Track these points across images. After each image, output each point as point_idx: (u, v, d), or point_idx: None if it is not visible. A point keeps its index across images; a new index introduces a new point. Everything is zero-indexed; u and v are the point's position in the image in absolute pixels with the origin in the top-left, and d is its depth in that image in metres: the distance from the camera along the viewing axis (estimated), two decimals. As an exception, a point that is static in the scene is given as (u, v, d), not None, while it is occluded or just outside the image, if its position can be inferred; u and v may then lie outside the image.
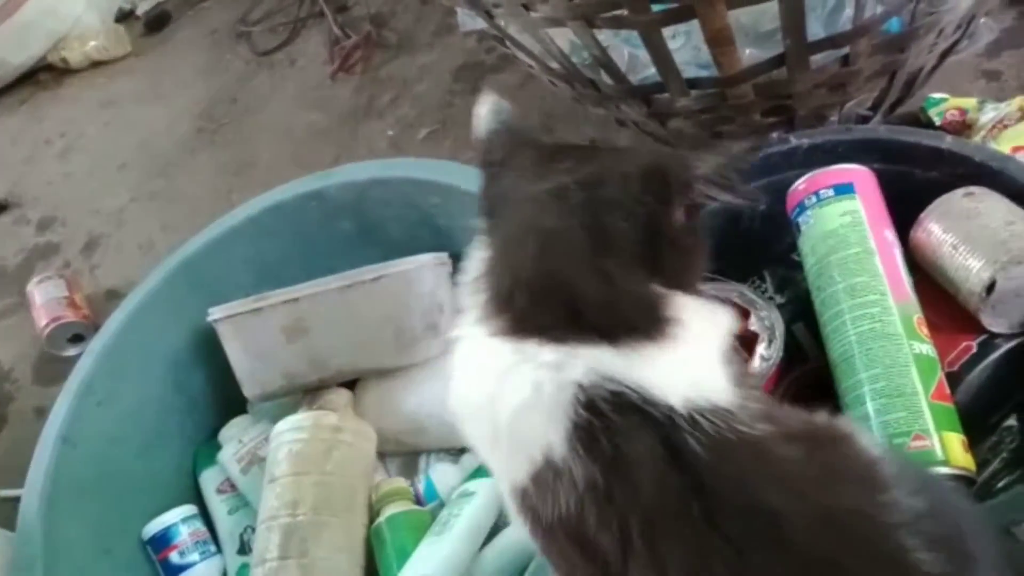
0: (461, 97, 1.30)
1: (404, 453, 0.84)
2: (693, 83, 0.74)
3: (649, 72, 0.75)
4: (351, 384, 0.83)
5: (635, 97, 0.78)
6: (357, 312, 0.77)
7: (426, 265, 0.79)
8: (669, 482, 0.36)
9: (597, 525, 0.36)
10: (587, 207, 0.41)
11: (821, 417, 0.45)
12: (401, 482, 0.77)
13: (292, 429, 0.75)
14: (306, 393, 0.81)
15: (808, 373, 0.74)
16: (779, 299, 0.80)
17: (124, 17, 2.06)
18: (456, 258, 0.84)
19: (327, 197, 0.88)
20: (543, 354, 0.39)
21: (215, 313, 0.81)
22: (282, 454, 0.74)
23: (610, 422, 0.37)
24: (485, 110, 0.50)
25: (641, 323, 0.39)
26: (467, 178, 0.80)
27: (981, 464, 0.68)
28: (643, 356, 0.38)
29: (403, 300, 0.77)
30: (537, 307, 0.40)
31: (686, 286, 0.42)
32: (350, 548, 0.71)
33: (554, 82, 0.88)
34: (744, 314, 0.74)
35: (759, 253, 0.84)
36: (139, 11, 2.03)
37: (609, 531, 0.36)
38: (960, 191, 0.70)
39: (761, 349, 0.72)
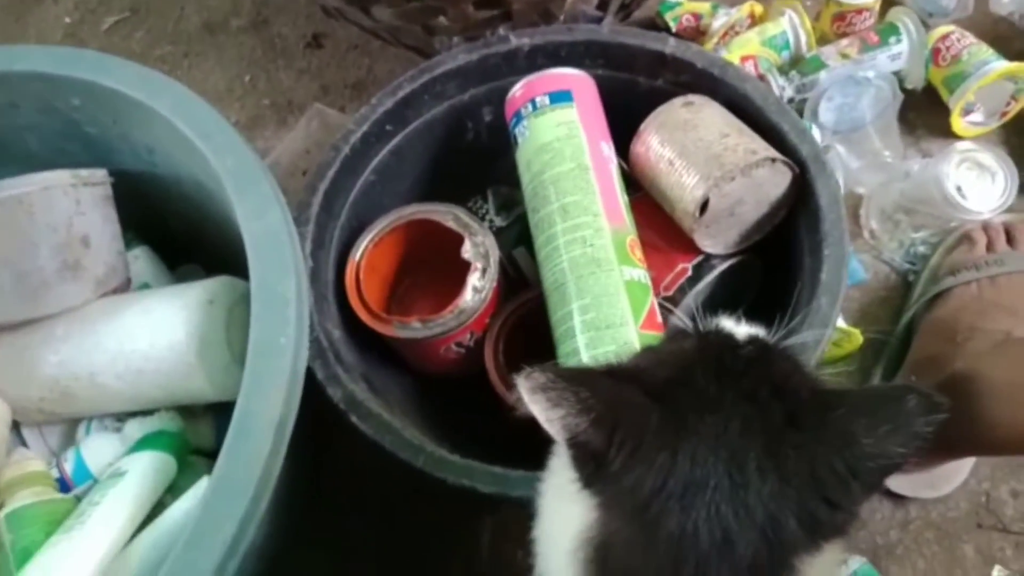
0: (158, -21, 1.07)
1: (57, 423, 0.68)
2: (389, -39, 0.61)
3: (336, -56, 0.61)
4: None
5: (325, -23, 0.64)
6: (-46, 252, 0.58)
7: (56, 186, 0.61)
8: None
9: None
10: None
11: None
12: (36, 464, 0.61)
13: None
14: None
15: (529, 303, 0.67)
16: (500, 221, 0.72)
17: None
18: (117, 175, 0.67)
19: (-76, 101, 0.65)
20: None
21: None
22: None
23: None
24: None
25: None
26: (113, 72, 0.62)
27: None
28: None
29: (22, 234, 0.59)
30: None
31: None
32: (-41, 557, 0.55)
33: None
34: (458, 239, 0.65)
35: (485, 169, 0.75)
36: None
37: None
38: (679, 100, 0.65)
39: (474, 279, 0.63)
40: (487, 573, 0.67)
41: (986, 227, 0.75)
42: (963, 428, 0.61)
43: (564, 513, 0.36)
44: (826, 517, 0.32)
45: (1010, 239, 0.74)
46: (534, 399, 0.33)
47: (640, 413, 0.34)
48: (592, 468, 0.34)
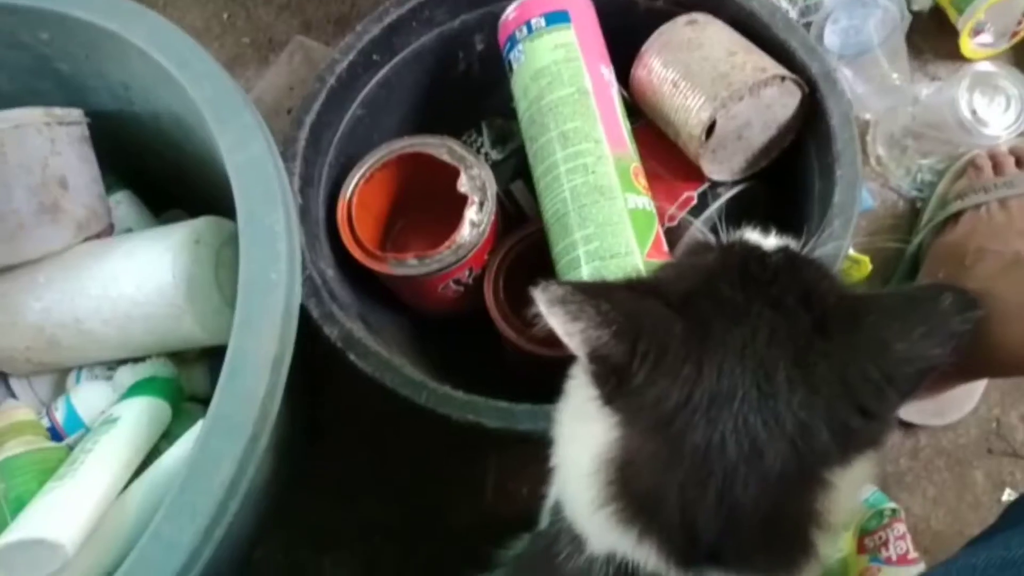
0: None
1: (46, 373, 0.66)
2: None
3: None
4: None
5: None
6: (-76, 195, 0.55)
7: (28, 124, 0.58)
8: None
9: None
10: None
11: None
12: (24, 413, 0.59)
13: None
14: None
15: (529, 238, 0.65)
16: (496, 154, 0.69)
17: None
18: (93, 116, 0.64)
19: None
20: None
21: None
22: None
23: None
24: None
25: None
26: (83, 2, 0.59)
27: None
28: None
29: (-5, 175, 0.56)
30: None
31: None
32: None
33: None
34: (454, 173, 0.62)
35: (478, 101, 0.73)
36: None
37: None
38: (683, 18, 0.62)
39: (471, 213, 0.61)
40: (493, 511, 0.67)
41: (992, 153, 0.73)
42: (974, 350, 0.59)
43: (583, 435, 0.34)
44: (859, 426, 0.31)
45: (1019, 163, 0.72)
46: (552, 312, 0.31)
47: (663, 324, 0.32)
48: (614, 383, 0.32)
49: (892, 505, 0.59)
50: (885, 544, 0.55)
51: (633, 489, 0.32)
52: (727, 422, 0.30)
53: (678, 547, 0.32)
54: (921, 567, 0.55)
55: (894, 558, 0.54)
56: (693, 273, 0.35)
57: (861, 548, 0.56)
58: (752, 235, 0.38)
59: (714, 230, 0.62)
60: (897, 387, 0.31)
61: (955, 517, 0.64)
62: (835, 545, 0.32)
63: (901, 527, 0.56)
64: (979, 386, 0.67)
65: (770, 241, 0.37)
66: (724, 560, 0.32)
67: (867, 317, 0.32)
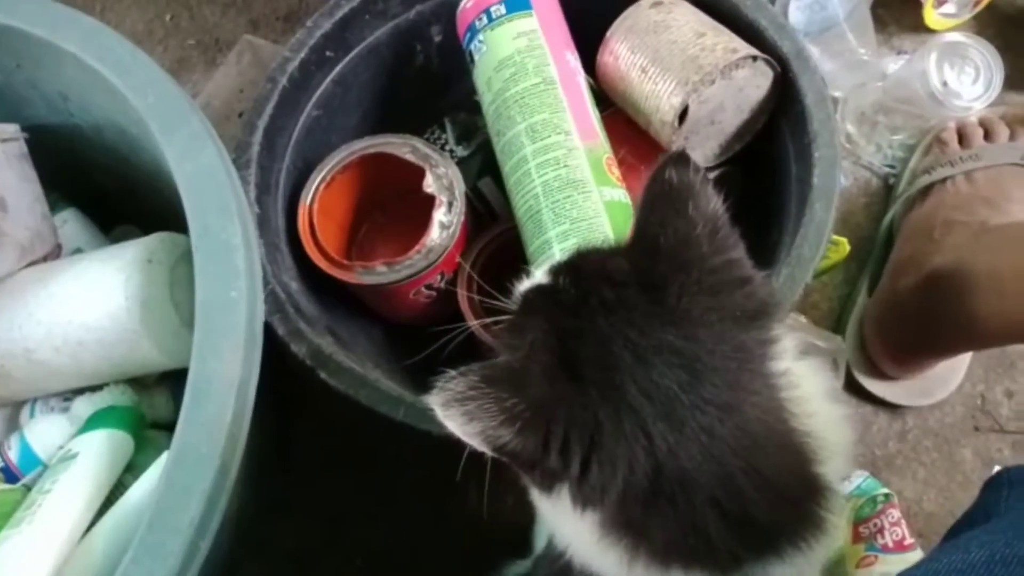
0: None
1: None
2: None
3: None
4: None
5: None
6: None
7: (-43, 144, 0.54)
8: None
9: None
10: None
11: None
12: (-27, 455, 0.56)
13: None
14: None
15: (501, 237, 0.62)
16: (462, 151, 0.67)
17: None
18: (31, 130, 0.60)
19: None
20: None
21: None
22: None
23: None
24: None
25: None
26: (8, 7, 0.54)
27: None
28: None
29: (-77, 199, 0.52)
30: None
31: None
32: None
33: None
34: (419, 173, 0.59)
35: (439, 96, 0.70)
36: None
37: None
38: (647, 1, 0.60)
39: (440, 215, 0.58)
40: (478, 525, 0.64)
41: (960, 126, 0.72)
42: (948, 323, 0.59)
43: (567, 514, 0.32)
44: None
45: (987, 134, 0.71)
46: (448, 414, 0.28)
47: (577, 406, 0.30)
48: (539, 477, 0.30)
49: (885, 491, 0.58)
50: (880, 531, 0.54)
51: (652, 542, 0.30)
52: (691, 441, 0.29)
53: (722, 562, 0.31)
54: (918, 552, 0.54)
55: (890, 545, 0.53)
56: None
57: (856, 537, 0.55)
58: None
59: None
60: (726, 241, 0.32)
61: (947, 497, 0.63)
62: (837, 470, 0.31)
63: (895, 513, 0.55)
64: (962, 363, 0.66)
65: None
66: (761, 547, 0.31)
67: (657, 252, 0.32)
